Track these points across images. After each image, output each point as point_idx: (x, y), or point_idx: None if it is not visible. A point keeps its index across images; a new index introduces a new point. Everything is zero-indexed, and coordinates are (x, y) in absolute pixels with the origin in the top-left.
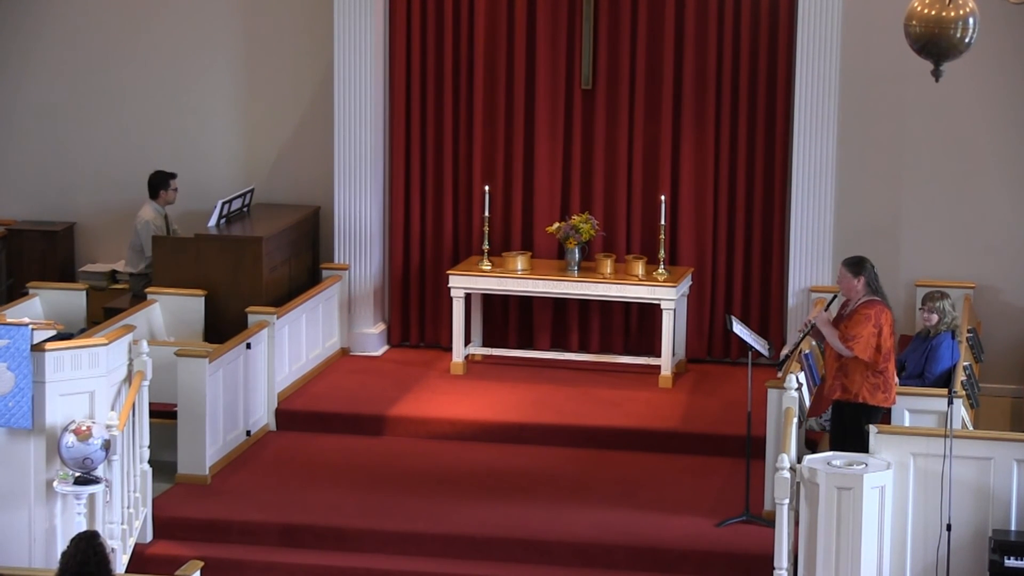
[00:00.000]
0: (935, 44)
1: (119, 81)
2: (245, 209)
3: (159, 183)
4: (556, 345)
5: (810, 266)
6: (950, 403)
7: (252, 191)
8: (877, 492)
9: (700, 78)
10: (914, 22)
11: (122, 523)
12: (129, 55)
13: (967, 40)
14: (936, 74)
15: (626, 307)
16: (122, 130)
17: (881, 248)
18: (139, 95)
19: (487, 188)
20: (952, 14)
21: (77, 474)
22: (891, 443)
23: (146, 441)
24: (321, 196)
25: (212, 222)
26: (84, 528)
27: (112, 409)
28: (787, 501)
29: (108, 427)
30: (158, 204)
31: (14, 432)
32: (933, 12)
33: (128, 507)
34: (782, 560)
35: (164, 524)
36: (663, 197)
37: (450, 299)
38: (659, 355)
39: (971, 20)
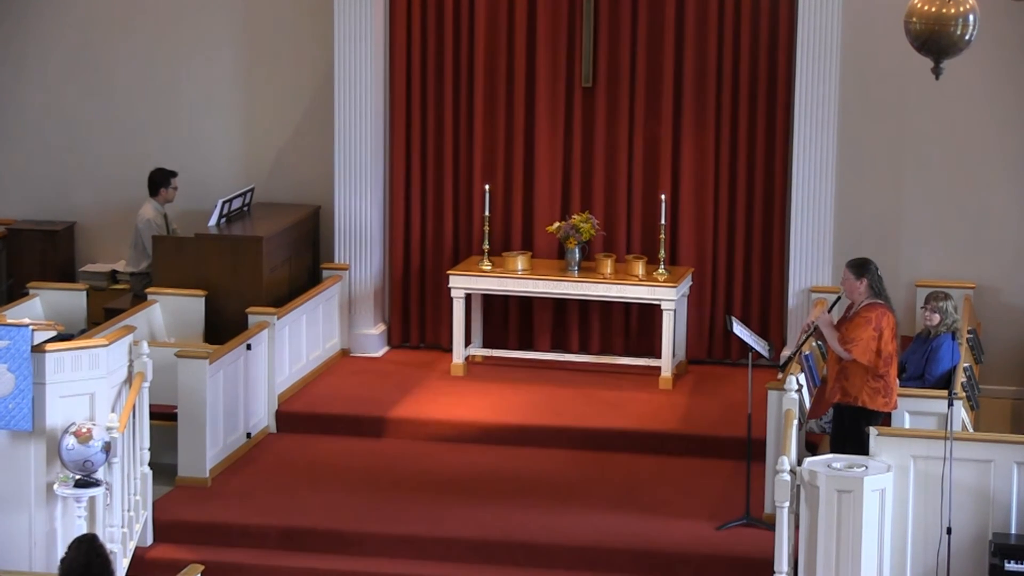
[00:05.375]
0: (935, 41)
1: (119, 80)
2: (245, 208)
3: (160, 181)
4: (556, 346)
5: (810, 266)
6: (950, 405)
7: (252, 190)
8: (877, 495)
9: (700, 77)
10: (914, 19)
11: (122, 526)
12: (129, 54)
13: (967, 37)
14: (936, 72)
15: (626, 307)
16: (122, 130)
17: (881, 248)
18: (139, 94)
19: (487, 187)
20: (952, 11)
21: (77, 476)
22: (891, 445)
23: (146, 443)
24: (321, 196)
25: (212, 221)
26: (84, 531)
27: (112, 411)
28: (787, 504)
29: (108, 429)
30: (158, 202)
31: (14, 434)
32: (933, 9)
33: (128, 510)
34: (782, 563)
35: (164, 527)
36: (663, 196)
37: (450, 299)
38: (659, 356)
39: (971, 17)
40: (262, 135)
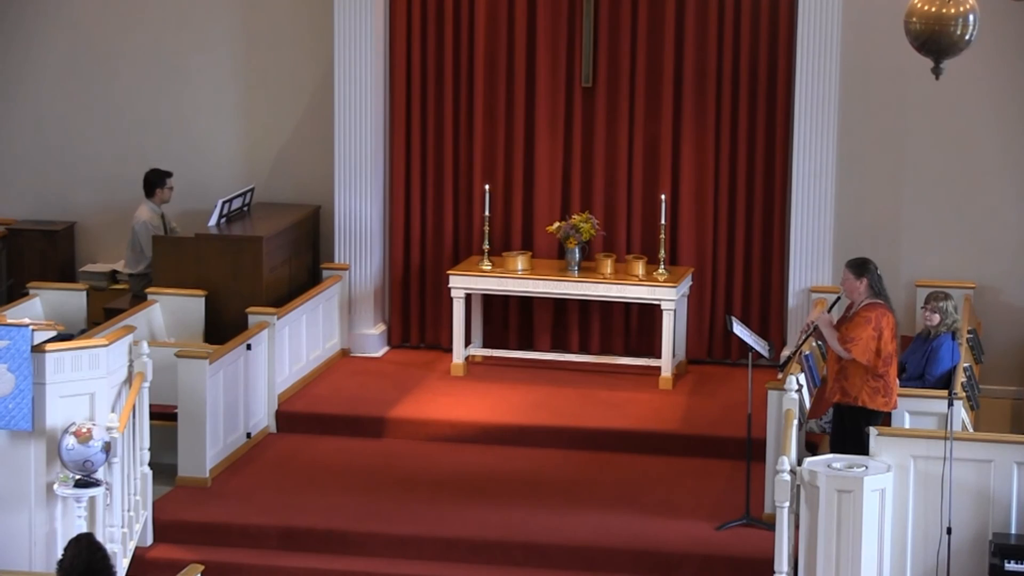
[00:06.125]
0: (935, 41)
1: (119, 81)
2: (245, 208)
3: (155, 181)
4: (556, 346)
5: (810, 266)
6: (950, 405)
7: (252, 190)
8: (877, 495)
9: (700, 76)
10: (914, 19)
11: (122, 526)
12: (129, 54)
13: (967, 37)
14: (936, 72)
15: (626, 307)
16: (122, 130)
17: (881, 248)
18: (139, 94)
19: (487, 187)
20: (952, 11)
21: (77, 476)
22: (891, 445)
23: (146, 443)
24: (321, 196)
25: (212, 221)
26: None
27: (112, 411)
28: (787, 504)
29: (108, 429)
30: (154, 203)
31: (14, 434)
32: (933, 9)
33: (128, 510)
34: (782, 563)
35: (164, 527)
36: (663, 196)
37: (450, 299)
38: (659, 356)
39: (971, 17)
40: (262, 135)
